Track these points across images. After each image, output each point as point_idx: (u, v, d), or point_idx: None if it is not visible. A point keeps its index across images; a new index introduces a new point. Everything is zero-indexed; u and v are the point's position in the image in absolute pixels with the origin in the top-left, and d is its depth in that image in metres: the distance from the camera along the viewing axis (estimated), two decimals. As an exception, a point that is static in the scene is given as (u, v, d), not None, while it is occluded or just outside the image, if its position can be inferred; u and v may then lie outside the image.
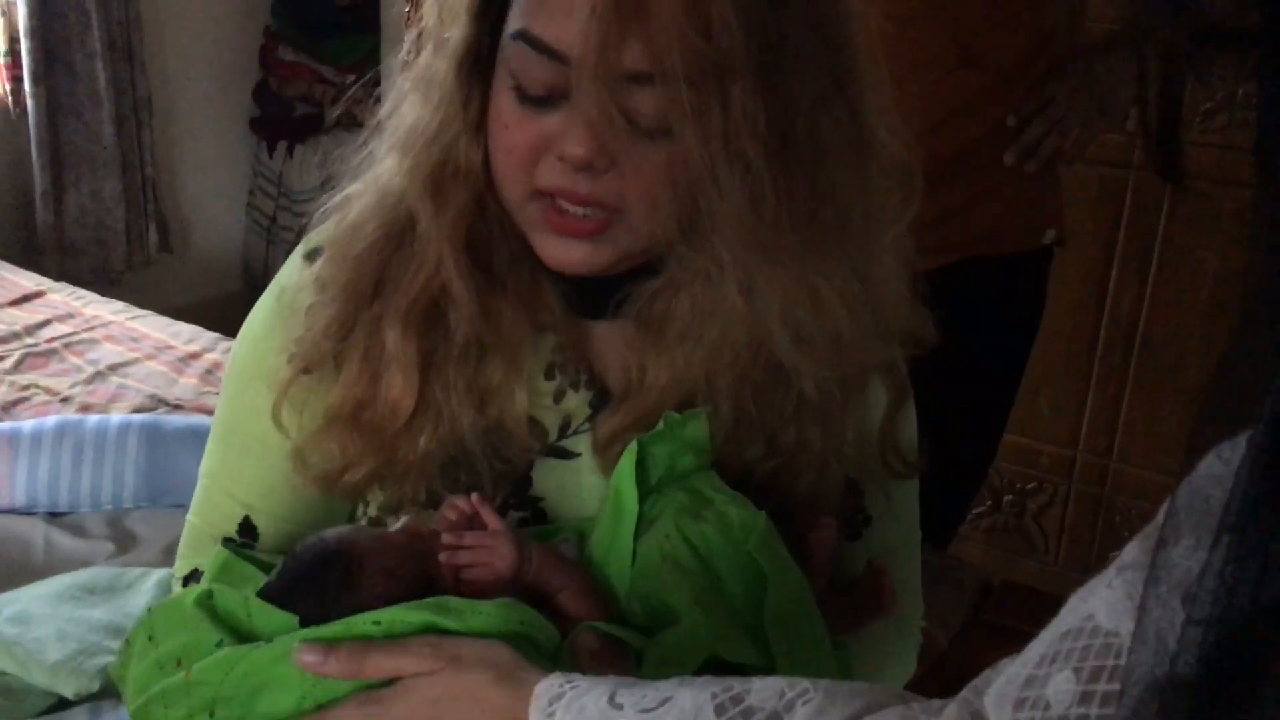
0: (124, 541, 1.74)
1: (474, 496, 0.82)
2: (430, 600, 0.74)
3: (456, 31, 0.83)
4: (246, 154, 4.07)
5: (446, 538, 0.79)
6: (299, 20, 3.90)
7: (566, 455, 0.91)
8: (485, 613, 0.73)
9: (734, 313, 0.84)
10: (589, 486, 0.91)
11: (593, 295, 0.88)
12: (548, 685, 0.68)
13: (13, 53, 3.42)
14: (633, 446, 0.83)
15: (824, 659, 0.80)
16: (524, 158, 0.81)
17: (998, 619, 1.81)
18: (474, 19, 0.82)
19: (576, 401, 0.91)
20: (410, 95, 0.87)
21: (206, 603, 0.77)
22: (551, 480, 0.91)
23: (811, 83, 0.79)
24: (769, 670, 0.76)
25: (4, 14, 3.38)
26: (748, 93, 0.76)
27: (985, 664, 0.61)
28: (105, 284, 3.59)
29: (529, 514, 0.91)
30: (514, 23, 0.80)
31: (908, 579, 1.00)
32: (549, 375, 0.91)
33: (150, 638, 0.76)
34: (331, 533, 0.80)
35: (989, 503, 2.91)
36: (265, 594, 0.77)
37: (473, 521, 0.81)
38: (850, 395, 0.92)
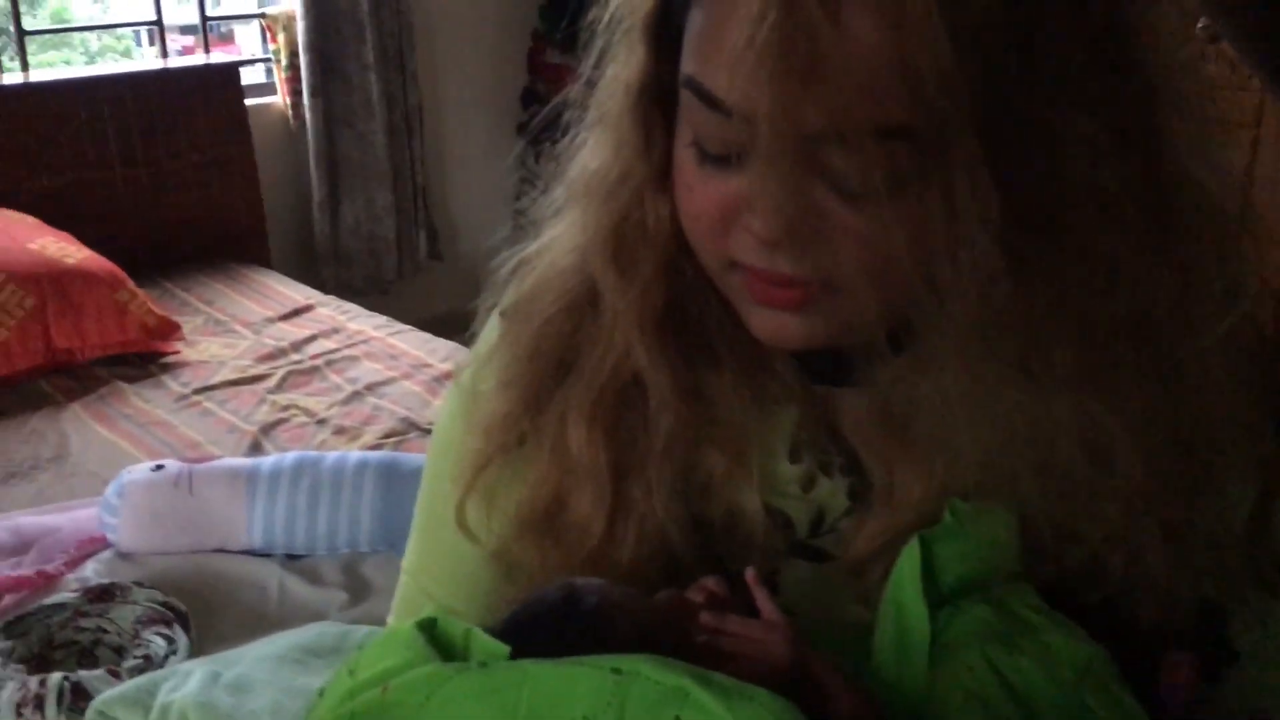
0: (358, 590, 1.66)
1: (749, 572, 0.68)
2: (691, 666, 0.59)
3: (633, 56, 0.68)
4: (515, 160, 4.05)
5: (707, 617, 0.65)
6: (567, 23, 3.83)
7: (821, 557, 0.74)
8: (758, 699, 0.58)
9: (966, 410, 0.65)
10: (853, 604, 0.73)
11: (832, 358, 0.71)
12: None
13: (293, 66, 3.49)
14: (913, 548, 0.66)
15: None
16: (712, 226, 0.65)
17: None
18: (650, 40, 0.67)
19: (830, 490, 0.74)
20: (590, 130, 0.72)
21: (429, 629, 0.66)
22: (804, 588, 0.74)
23: (1081, 126, 0.58)
24: None
25: (285, 29, 3.46)
26: (975, 157, 0.56)
27: None
28: (377, 293, 3.64)
29: None
30: (686, 63, 0.63)
31: None
32: (794, 458, 0.74)
33: (351, 671, 0.65)
34: (583, 581, 0.67)
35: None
36: (495, 632, 0.65)
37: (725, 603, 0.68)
38: (1193, 506, 0.69)
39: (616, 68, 0.70)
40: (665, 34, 0.66)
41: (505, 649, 0.62)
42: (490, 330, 0.80)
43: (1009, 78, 0.56)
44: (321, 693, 0.68)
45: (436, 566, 0.84)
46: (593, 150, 0.72)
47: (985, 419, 0.64)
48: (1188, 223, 0.62)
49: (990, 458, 0.66)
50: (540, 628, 0.64)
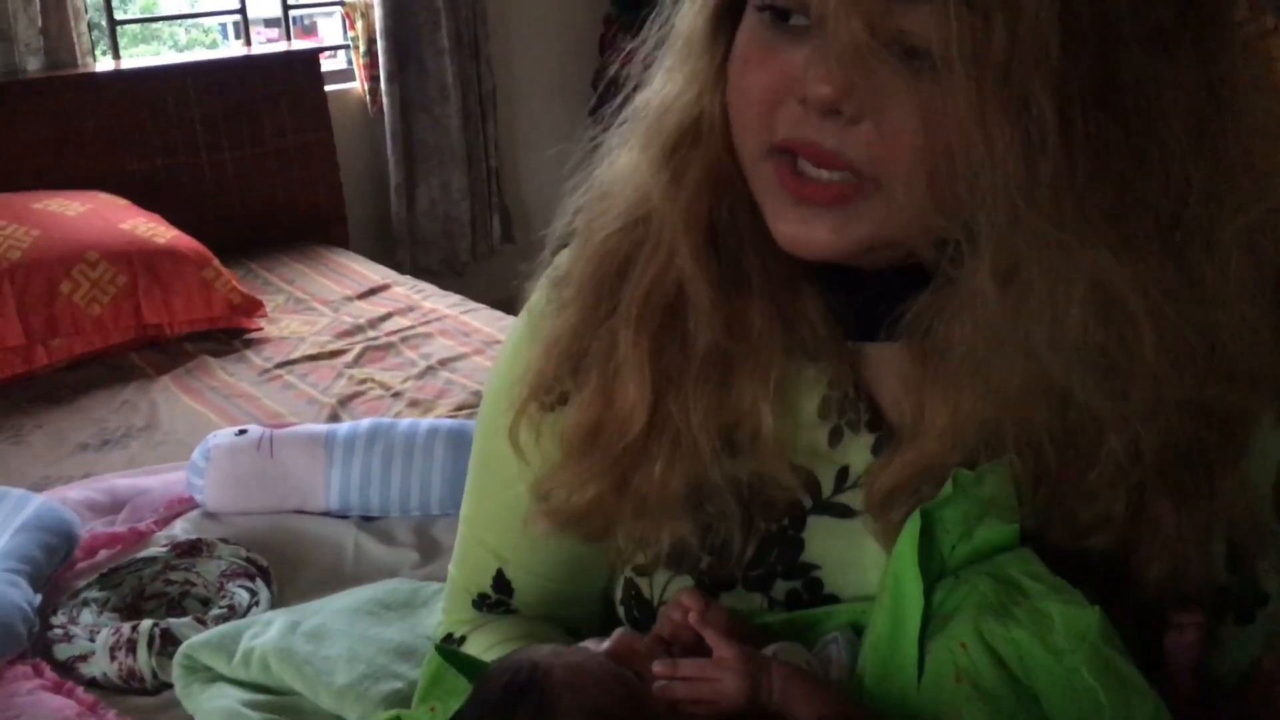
0: (429, 550, 1.71)
1: (692, 615, 0.68)
2: None
3: None
4: (586, 143, 4.09)
5: (658, 666, 0.66)
6: (638, 6, 3.85)
7: (845, 513, 0.76)
8: None
9: (996, 320, 0.64)
10: (874, 554, 0.75)
11: (860, 309, 0.73)
12: None
13: (370, 53, 3.58)
14: (915, 519, 0.67)
15: None
16: (762, 101, 0.66)
17: None
18: None
19: (856, 447, 0.75)
20: (663, 60, 0.74)
21: None
22: (828, 544, 0.76)
23: (1144, 13, 0.60)
24: None
25: (363, 16, 3.54)
26: (1043, 12, 0.58)
27: None
28: (452, 275, 3.71)
29: (800, 585, 0.77)
30: None
31: None
32: (823, 414, 0.75)
33: None
34: (524, 657, 0.68)
35: None
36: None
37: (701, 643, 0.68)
38: (1213, 454, 0.69)
39: None
40: None
41: None
42: (562, 256, 0.82)
43: None
44: None
45: (488, 516, 0.87)
46: (662, 74, 0.74)
47: (985, 299, 0.64)
48: (1229, 118, 0.63)
49: (1014, 387, 0.66)
50: None
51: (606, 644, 0.70)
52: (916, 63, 0.60)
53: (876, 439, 0.75)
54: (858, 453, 0.75)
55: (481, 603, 0.89)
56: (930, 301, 0.68)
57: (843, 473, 0.76)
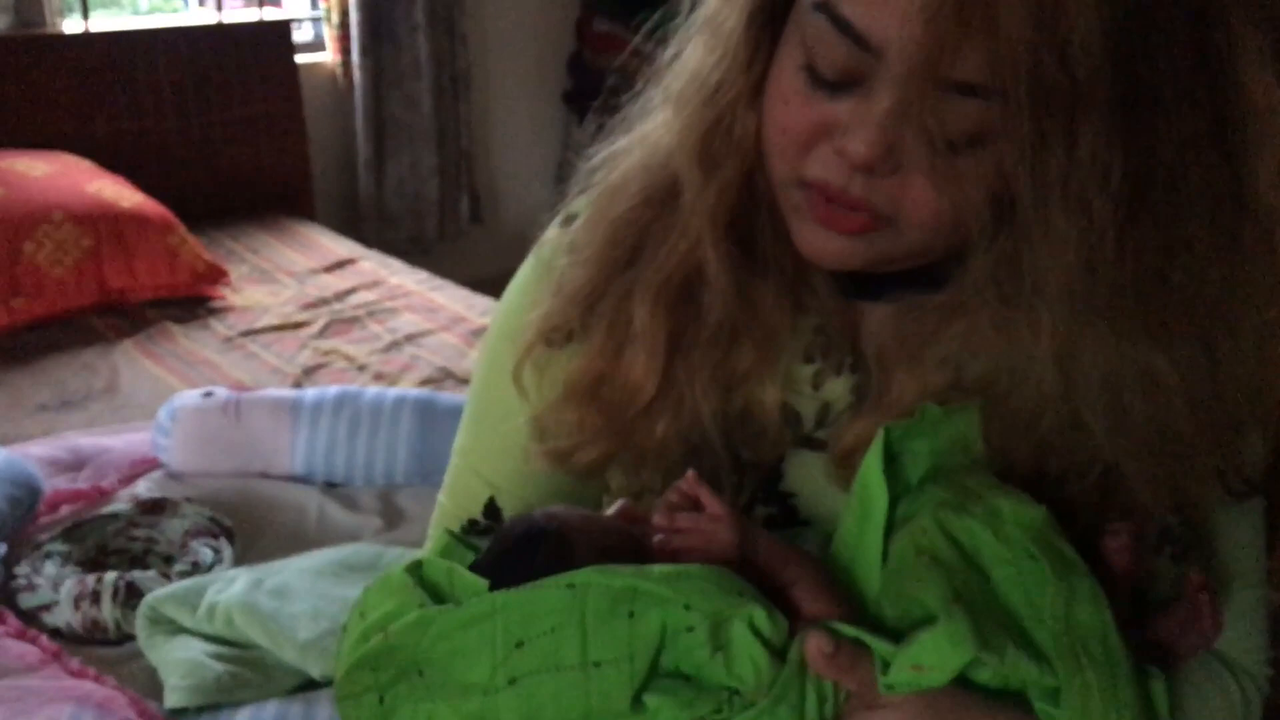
0: (392, 517, 1.73)
1: (689, 474, 0.74)
2: (633, 566, 0.68)
3: None
4: (558, 127, 4.10)
5: (659, 518, 0.72)
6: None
7: (823, 447, 0.81)
8: (694, 574, 0.67)
9: (1038, 379, 0.71)
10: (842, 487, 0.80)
11: (864, 280, 0.78)
12: None
13: (343, 25, 3.57)
14: (880, 436, 0.72)
15: (1122, 680, 0.67)
16: (798, 141, 0.71)
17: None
18: None
19: (838, 388, 0.81)
20: (694, 41, 0.77)
21: (416, 572, 0.73)
22: (805, 474, 0.81)
23: (1181, 121, 0.65)
24: (1054, 692, 0.66)
25: (337, -12, 3.53)
26: (1100, 132, 0.63)
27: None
28: (419, 253, 3.71)
29: (777, 511, 0.82)
30: None
31: (1245, 613, 0.84)
32: (808, 359, 0.81)
33: (362, 614, 0.74)
34: (541, 511, 0.75)
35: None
36: (474, 569, 0.73)
37: (697, 504, 0.74)
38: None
39: None
40: None
41: (484, 584, 0.70)
42: (579, 202, 0.86)
43: (1135, 68, 0.63)
44: (344, 629, 0.76)
45: (484, 440, 0.90)
46: (694, 55, 0.77)
47: (1041, 370, 0.70)
48: (1250, 216, 0.69)
49: (1008, 395, 0.72)
50: (510, 564, 0.71)
51: (611, 510, 0.76)
52: (955, 143, 0.65)
53: (856, 380, 0.80)
54: (839, 394, 0.80)
55: (471, 530, 0.92)
56: (933, 303, 0.74)
57: (823, 409, 0.81)
